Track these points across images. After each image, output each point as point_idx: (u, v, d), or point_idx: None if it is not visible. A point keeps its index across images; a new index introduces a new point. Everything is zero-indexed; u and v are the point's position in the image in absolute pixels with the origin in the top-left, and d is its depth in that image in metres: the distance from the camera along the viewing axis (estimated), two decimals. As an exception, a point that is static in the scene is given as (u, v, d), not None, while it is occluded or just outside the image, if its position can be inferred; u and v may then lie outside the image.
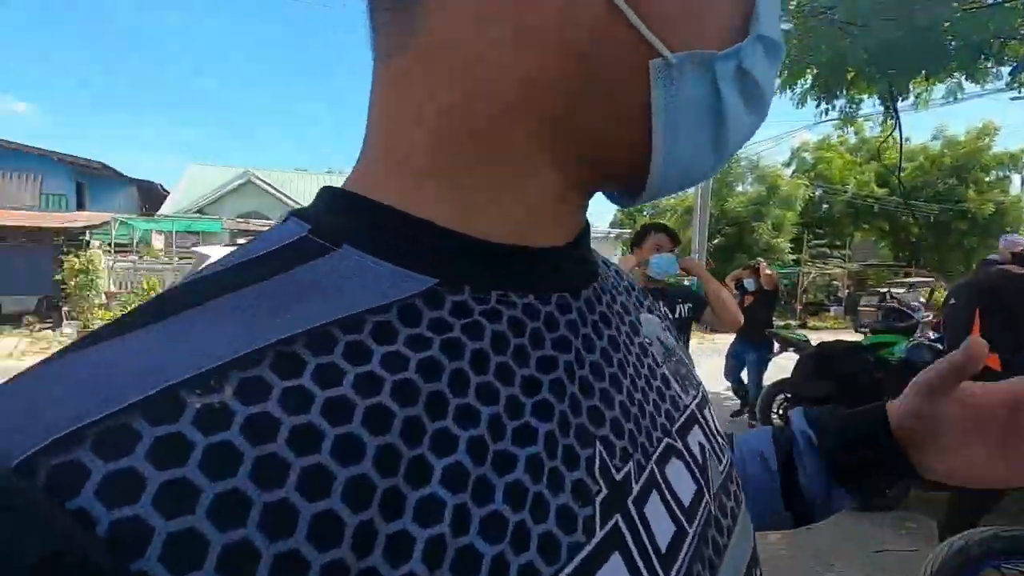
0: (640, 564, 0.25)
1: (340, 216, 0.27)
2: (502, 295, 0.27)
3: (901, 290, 13.62)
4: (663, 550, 0.26)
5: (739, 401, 5.54)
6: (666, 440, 0.31)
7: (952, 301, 2.91)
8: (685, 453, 0.32)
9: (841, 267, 19.40)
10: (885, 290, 11.66)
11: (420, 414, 0.22)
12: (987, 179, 18.32)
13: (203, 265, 0.24)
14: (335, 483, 0.20)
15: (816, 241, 20.11)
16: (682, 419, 0.33)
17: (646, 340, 0.35)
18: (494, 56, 0.25)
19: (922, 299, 13.77)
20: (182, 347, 0.21)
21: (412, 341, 0.24)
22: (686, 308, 2.29)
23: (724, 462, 0.35)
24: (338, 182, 0.30)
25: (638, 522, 0.26)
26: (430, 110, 0.26)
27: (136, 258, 13.14)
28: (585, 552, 0.23)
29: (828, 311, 18.12)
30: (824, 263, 19.58)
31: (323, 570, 0.18)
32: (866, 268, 20.25)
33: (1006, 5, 3.71)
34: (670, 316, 0.43)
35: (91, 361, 0.20)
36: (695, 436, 0.34)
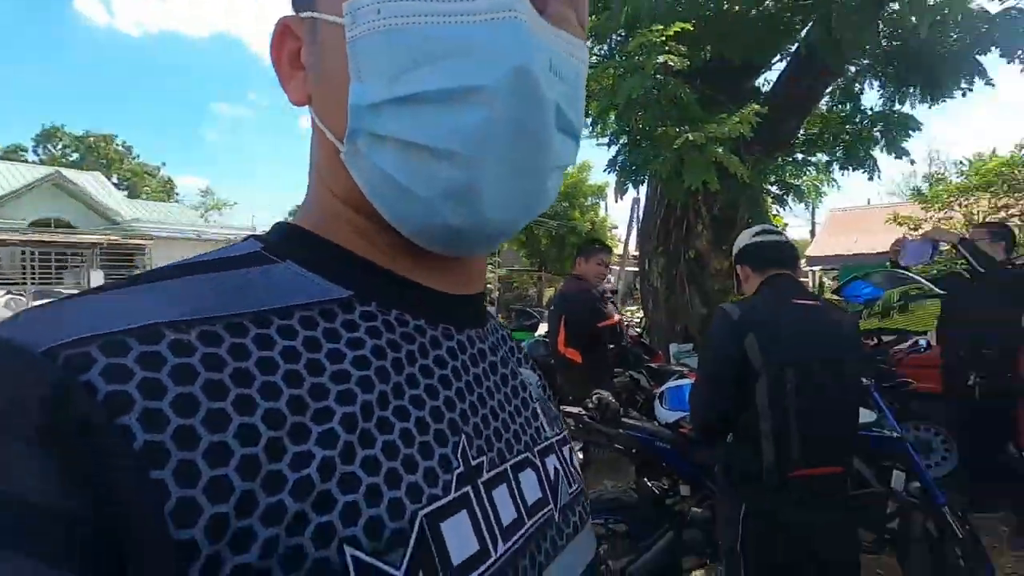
0: (482, 525, 0.34)
1: (286, 241, 0.38)
2: (400, 314, 0.37)
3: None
4: (504, 524, 0.36)
5: None
6: (526, 453, 0.42)
7: (552, 308, 3.58)
8: (540, 468, 0.42)
9: (493, 272, 22.55)
10: None
11: (324, 381, 0.31)
12: (586, 203, 23.84)
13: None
14: (257, 410, 0.28)
15: (473, 250, 22.85)
16: (543, 444, 0.44)
17: (521, 384, 0.45)
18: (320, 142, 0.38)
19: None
20: (164, 300, 0.30)
21: (327, 333, 0.33)
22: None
23: (575, 488, 0.46)
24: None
25: (484, 498, 0.35)
26: (318, 176, 0.40)
27: None
28: (440, 502, 0.32)
29: (484, 311, 20.84)
30: (480, 269, 22.46)
31: (239, 464, 0.26)
32: (511, 272, 24.11)
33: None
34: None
35: (99, 300, 0.30)
36: (552, 461, 0.44)
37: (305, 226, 0.39)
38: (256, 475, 0.26)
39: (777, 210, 5.95)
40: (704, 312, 4.90)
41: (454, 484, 0.34)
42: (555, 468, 0.44)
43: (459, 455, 0.35)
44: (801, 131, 5.18)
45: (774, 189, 5.52)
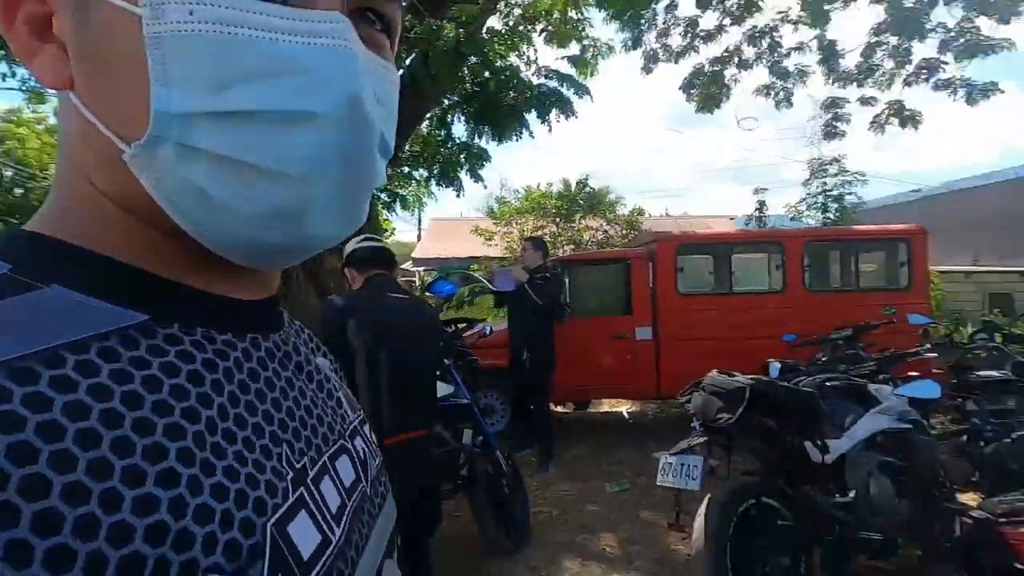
0: (319, 518, 0.37)
1: (44, 258, 0.32)
2: (206, 331, 0.35)
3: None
4: (333, 512, 0.39)
5: None
6: (340, 441, 0.44)
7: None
8: (353, 452, 0.45)
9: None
10: None
11: (148, 415, 0.29)
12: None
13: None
14: (79, 463, 0.25)
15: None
16: (350, 429, 0.47)
17: (324, 376, 0.47)
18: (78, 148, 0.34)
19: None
20: None
21: (134, 362, 0.30)
22: None
23: (377, 462, 0.50)
24: None
25: (316, 493, 0.37)
26: (79, 175, 0.34)
27: None
28: (283, 510, 0.33)
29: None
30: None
31: (73, 528, 0.24)
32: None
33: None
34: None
35: None
36: (359, 442, 0.47)
37: (59, 235, 0.33)
38: (97, 534, 0.24)
39: (387, 215, 6.58)
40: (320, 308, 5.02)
41: (290, 490, 0.35)
42: (362, 448, 0.47)
43: (285, 462, 0.36)
44: (407, 148, 5.90)
45: (384, 197, 6.10)
